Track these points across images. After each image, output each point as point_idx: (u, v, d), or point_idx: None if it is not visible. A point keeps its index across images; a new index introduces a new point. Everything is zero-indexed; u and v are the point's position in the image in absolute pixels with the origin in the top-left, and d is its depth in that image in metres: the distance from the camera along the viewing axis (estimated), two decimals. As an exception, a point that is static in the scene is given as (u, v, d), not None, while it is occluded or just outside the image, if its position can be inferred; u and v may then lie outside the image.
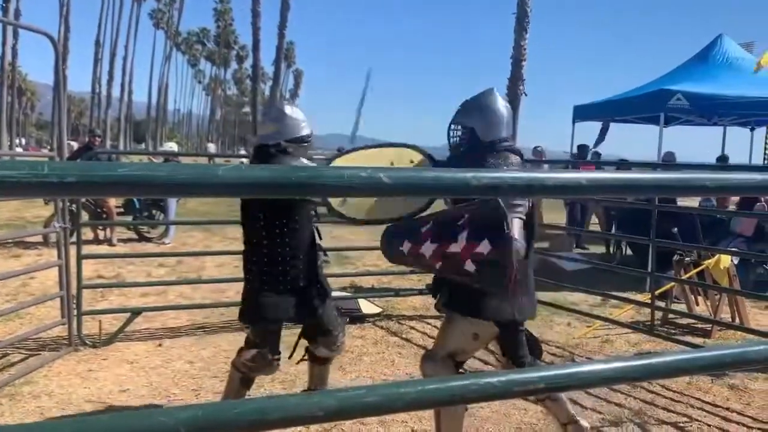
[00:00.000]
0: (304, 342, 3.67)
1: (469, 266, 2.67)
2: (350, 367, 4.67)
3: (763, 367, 4.47)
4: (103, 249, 9.21)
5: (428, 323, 5.89)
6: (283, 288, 3.25)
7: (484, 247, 2.61)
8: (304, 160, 3.43)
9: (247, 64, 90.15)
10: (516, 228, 2.69)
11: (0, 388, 4.01)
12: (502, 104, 3.07)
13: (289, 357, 3.61)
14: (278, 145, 3.29)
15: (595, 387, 2.82)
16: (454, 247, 2.68)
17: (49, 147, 44.20)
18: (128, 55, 65.73)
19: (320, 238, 3.56)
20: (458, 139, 3.10)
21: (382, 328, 5.71)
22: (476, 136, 3.02)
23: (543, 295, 6.22)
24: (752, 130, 11.09)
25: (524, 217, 2.79)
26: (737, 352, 1.15)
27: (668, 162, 7.76)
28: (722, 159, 9.77)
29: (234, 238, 10.62)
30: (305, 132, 3.40)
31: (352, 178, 0.83)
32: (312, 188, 0.83)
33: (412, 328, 5.73)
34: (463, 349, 3.08)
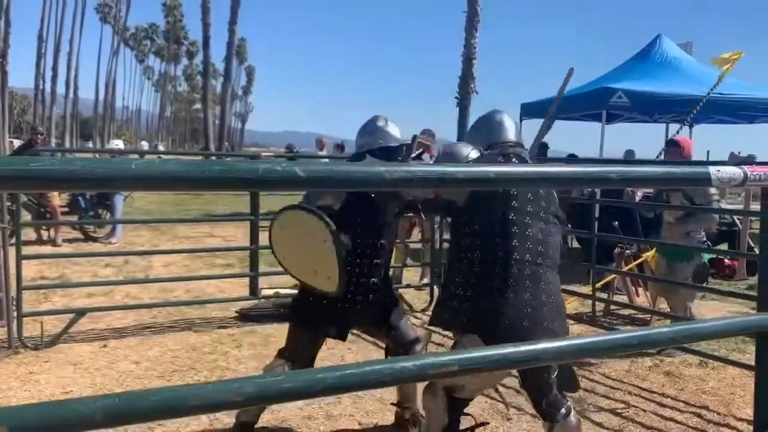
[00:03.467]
0: None
1: None
2: (299, 364, 4.68)
3: (696, 354, 4.68)
4: (47, 249, 8.97)
5: (378, 319, 5.94)
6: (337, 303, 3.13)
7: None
8: None
9: (198, 60, 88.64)
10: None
11: (-65, 394, 3.89)
12: (501, 115, 3.14)
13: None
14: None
15: (505, 369, 2.82)
16: None
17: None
18: (73, 50, 63.78)
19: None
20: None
21: (332, 324, 5.73)
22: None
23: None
24: (690, 126, 11.50)
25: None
26: (642, 335, 1.23)
27: (629, 159, 7.98)
28: (629, 154, 10.03)
29: (184, 236, 10.50)
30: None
31: (267, 172, 0.86)
32: (227, 182, 0.85)
33: (362, 323, 5.77)
34: (463, 385, 2.73)
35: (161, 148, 52.62)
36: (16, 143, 14.92)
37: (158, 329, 5.44)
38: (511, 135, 3.08)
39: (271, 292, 6.21)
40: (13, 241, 4.98)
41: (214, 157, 18.03)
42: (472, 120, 21.40)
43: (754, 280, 8.16)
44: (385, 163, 0.90)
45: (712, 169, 1.17)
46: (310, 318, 3.20)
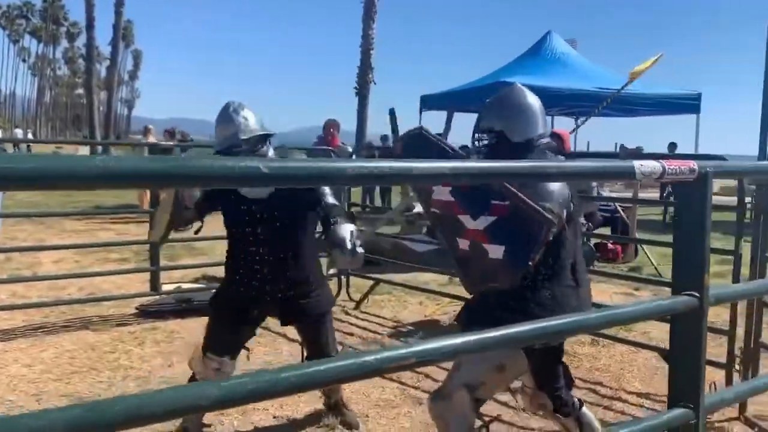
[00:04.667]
0: None
1: (463, 243, 2.46)
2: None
3: (588, 333, 5.00)
4: None
5: (286, 310, 5.89)
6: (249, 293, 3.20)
7: (494, 251, 2.33)
8: None
9: (80, 42, 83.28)
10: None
11: None
12: (531, 99, 2.64)
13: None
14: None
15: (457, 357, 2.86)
16: (468, 222, 2.44)
17: None
18: (-65, 27, 58.08)
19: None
20: (486, 144, 2.63)
21: (238, 317, 5.62)
22: (505, 138, 2.56)
23: (396, 277, 6.47)
24: (576, 119, 12.19)
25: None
26: (575, 320, 1.30)
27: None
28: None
29: (73, 230, 9.90)
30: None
31: (225, 169, 0.84)
32: (178, 178, 0.83)
33: (270, 316, 5.70)
34: (484, 382, 2.54)
35: (30, 136, 48.75)
36: None
37: (51, 329, 5.12)
38: (542, 125, 2.64)
39: (172, 286, 6.01)
40: None
41: (100, 147, 17.12)
42: (370, 113, 21.40)
43: (635, 263, 8.81)
44: (350, 160, 0.90)
45: (636, 164, 1.26)
46: (219, 303, 3.28)
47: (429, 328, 5.50)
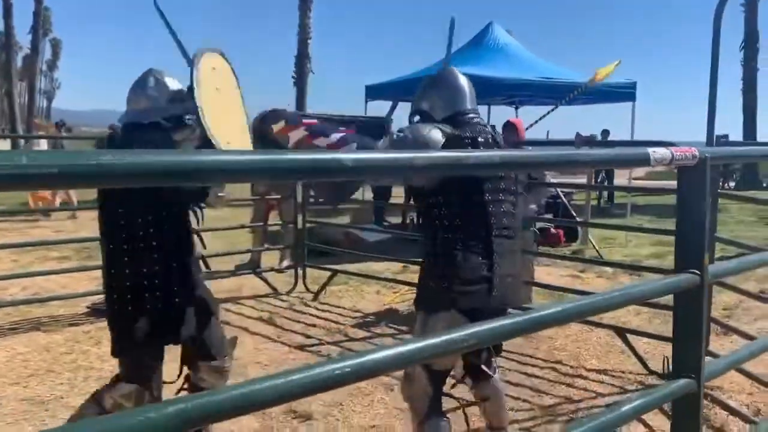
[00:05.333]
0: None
1: None
2: (169, 356, 4.47)
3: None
4: None
5: (243, 304, 5.84)
6: (156, 306, 2.65)
7: (347, 150, 2.66)
8: None
9: (-8, 30, 78.87)
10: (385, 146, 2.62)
11: None
12: (459, 78, 2.79)
13: (178, 392, 2.91)
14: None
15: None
16: (321, 141, 2.83)
17: None
18: None
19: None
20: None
21: (196, 313, 5.53)
22: (430, 116, 2.73)
23: (350, 267, 6.50)
24: (516, 108, 12.50)
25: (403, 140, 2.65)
26: (583, 304, 1.37)
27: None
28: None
29: (4, 229, 9.43)
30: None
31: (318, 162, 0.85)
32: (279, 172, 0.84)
33: (228, 310, 5.62)
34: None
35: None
36: None
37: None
38: (469, 101, 2.78)
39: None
40: None
41: (22, 141, 16.34)
42: (309, 102, 21.21)
43: (576, 246, 9.16)
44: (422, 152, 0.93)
45: (650, 150, 1.35)
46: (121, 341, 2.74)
47: (389, 316, 5.57)
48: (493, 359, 2.93)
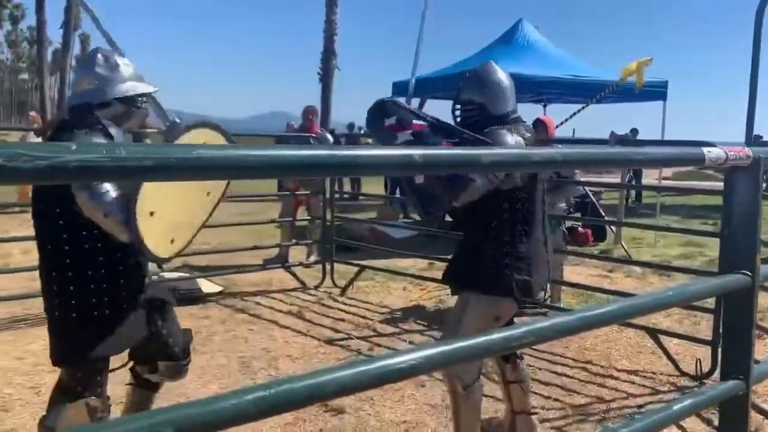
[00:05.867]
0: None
1: (420, 177, 2.69)
2: (202, 348, 4.54)
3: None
4: None
5: (273, 297, 5.90)
6: (104, 310, 2.42)
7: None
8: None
9: (24, 25, 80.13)
10: (478, 181, 2.58)
11: None
12: (504, 76, 2.92)
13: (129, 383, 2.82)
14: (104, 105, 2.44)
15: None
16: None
17: None
18: None
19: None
20: (468, 117, 2.89)
21: (226, 306, 5.61)
22: (487, 111, 2.84)
23: (377, 263, 6.53)
24: (545, 106, 12.40)
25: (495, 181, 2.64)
26: (628, 305, 1.37)
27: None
28: None
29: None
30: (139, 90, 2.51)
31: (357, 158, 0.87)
32: (317, 168, 0.86)
33: (258, 303, 5.70)
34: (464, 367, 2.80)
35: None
36: None
37: (34, 321, 4.99)
38: (513, 101, 2.93)
39: (153, 276, 5.93)
40: None
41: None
42: (335, 98, 21.15)
43: (605, 245, 9.08)
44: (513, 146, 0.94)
45: (705, 150, 1.34)
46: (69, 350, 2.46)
47: (416, 313, 5.59)
48: None
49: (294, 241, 6.98)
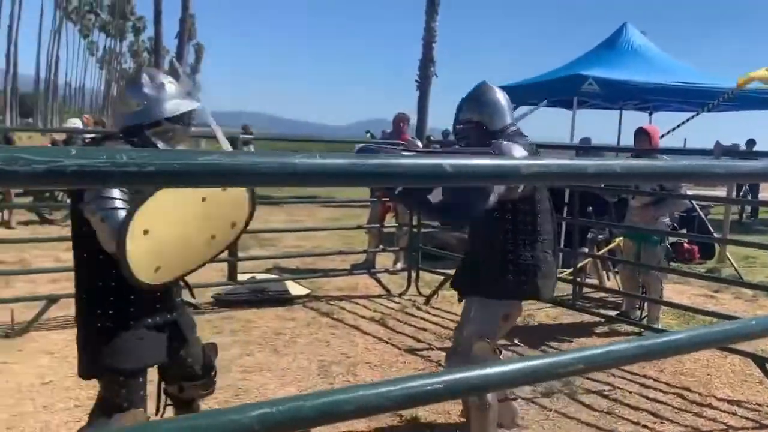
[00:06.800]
0: None
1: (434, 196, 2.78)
2: (285, 350, 4.63)
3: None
4: (2, 233, 8.60)
5: (357, 303, 5.92)
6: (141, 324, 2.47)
7: (434, 195, 2.74)
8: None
9: (145, 36, 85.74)
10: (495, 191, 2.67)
11: None
12: (500, 94, 3.12)
13: (156, 412, 2.77)
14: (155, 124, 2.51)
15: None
16: None
17: None
18: (13, 24, 60.85)
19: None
20: (468, 135, 3.11)
21: (312, 309, 5.68)
22: (483, 127, 3.05)
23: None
24: (650, 114, 11.81)
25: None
26: (717, 331, 1.23)
27: (584, 146, 8.13)
28: (585, 141, 10.07)
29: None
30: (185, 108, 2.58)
31: (416, 167, 0.82)
32: (384, 177, 0.81)
33: (342, 308, 5.74)
34: (495, 331, 3.00)
35: (78, 124, 49.59)
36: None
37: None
38: (510, 116, 3.15)
39: (246, 276, 6.12)
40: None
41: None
42: (432, 106, 21.27)
43: (712, 264, 8.48)
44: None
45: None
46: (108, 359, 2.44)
47: (502, 325, 5.43)
48: None
49: (381, 247, 6.99)
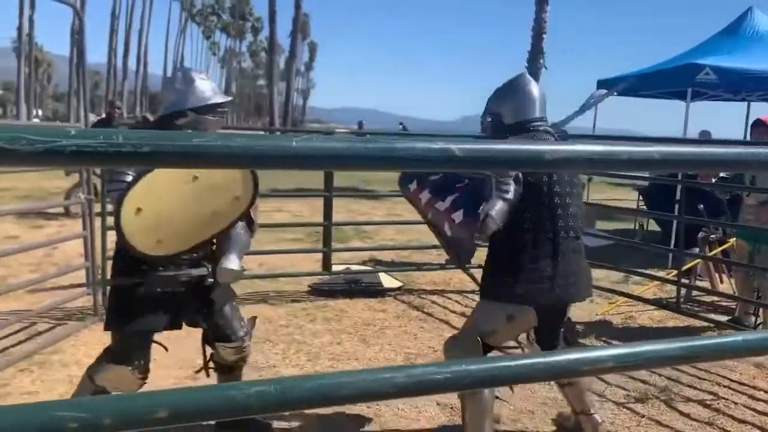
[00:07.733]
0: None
1: (447, 229, 2.94)
2: (373, 340, 4.69)
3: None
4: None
5: (449, 298, 5.89)
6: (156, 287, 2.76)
7: (457, 216, 2.84)
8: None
9: (262, 36, 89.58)
10: (496, 207, 2.66)
11: (30, 356, 4.07)
12: (531, 86, 2.95)
13: (198, 371, 3.15)
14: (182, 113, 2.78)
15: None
16: (440, 206, 2.93)
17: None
18: (144, 27, 65.49)
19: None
20: (487, 126, 3.03)
21: (403, 302, 5.72)
22: (499, 120, 2.95)
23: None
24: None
25: (510, 198, 2.68)
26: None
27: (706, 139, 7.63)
28: (704, 134, 9.43)
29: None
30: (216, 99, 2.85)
31: (414, 150, 0.80)
32: (388, 161, 0.80)
33: (434, 302, 5.73)
34: (495, 330, 2.90)
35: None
36: (92, 117, 15.26)
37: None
38: (538, 110, 2.93)
39: (341, 267, 6.25)
40: (98, 210, 5.13)
41: (278, 133, 18.23)
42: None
43: None
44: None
45: None
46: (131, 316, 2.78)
47: (599, 328, 5.22)
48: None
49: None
